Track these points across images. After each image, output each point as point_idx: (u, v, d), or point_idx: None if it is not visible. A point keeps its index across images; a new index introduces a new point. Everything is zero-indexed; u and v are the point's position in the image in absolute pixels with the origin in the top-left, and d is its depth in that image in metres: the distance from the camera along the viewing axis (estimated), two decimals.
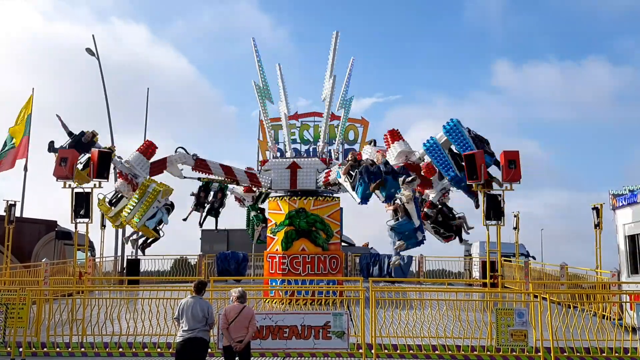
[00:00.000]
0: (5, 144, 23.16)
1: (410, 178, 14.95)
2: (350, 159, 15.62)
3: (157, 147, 16.96)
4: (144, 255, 20.31)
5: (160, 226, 16.84)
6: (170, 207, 16.74)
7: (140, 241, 18.40)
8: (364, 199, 15.06)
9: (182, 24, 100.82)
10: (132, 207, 16.10)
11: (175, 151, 17.40)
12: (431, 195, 17.43)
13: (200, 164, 17.49)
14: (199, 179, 18.10)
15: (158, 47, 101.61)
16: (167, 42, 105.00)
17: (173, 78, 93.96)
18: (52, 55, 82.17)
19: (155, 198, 15.86)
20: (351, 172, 15.38)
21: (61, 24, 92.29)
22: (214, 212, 20.39)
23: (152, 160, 16.86)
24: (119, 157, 16.54)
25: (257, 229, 20.97)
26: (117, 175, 16.71)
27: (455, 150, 15.06)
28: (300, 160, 18.53)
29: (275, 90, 19.68)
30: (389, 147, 16.10)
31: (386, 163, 15.03)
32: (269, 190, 18.67)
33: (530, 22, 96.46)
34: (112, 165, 16.07)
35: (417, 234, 15.28)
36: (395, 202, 15.17)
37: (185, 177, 17.69)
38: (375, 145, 17.05)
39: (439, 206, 17.41)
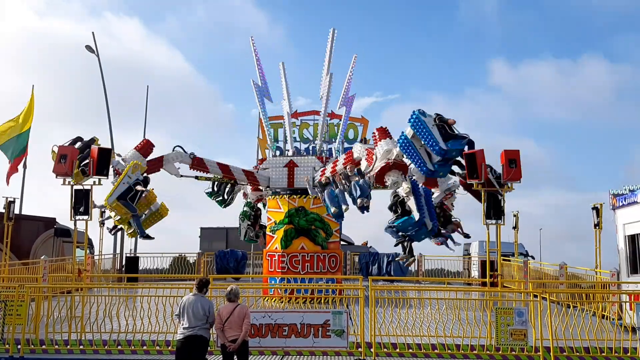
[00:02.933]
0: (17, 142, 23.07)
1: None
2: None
3: (154, 146, 16.84)
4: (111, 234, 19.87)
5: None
6: (141, 183, 16.16)
7: (111, 225, 18.08)
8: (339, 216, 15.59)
9: (176, 19, 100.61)
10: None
11: (173, 150, 17.30)
12: (435, 194, 17.32)
13: (197, 163, 17.41)
14: (196, 177, 17.94)
15: (153, 43, 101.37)
16: (161, 38, 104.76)
17: (169, 74, 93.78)
18: (48, 53, 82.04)
19: (126, 174, 15.66)
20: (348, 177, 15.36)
21: (54, 20, 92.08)
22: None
23: (148, 158, 16.73)
24: (118, 155, 16.51)
25: (242, 225, 20.47)
26: (115, 172, 16.49)
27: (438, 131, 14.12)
28: (297, 158, 18.54)
29: (277, 89, 19.58)
30: (377, 145, 15.84)
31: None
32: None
33: (526, 20, 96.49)
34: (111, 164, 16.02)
35: (425, 223, 14.70)
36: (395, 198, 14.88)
37: (182, 176, 17.55)
38: (366, 143, 16.86)
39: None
